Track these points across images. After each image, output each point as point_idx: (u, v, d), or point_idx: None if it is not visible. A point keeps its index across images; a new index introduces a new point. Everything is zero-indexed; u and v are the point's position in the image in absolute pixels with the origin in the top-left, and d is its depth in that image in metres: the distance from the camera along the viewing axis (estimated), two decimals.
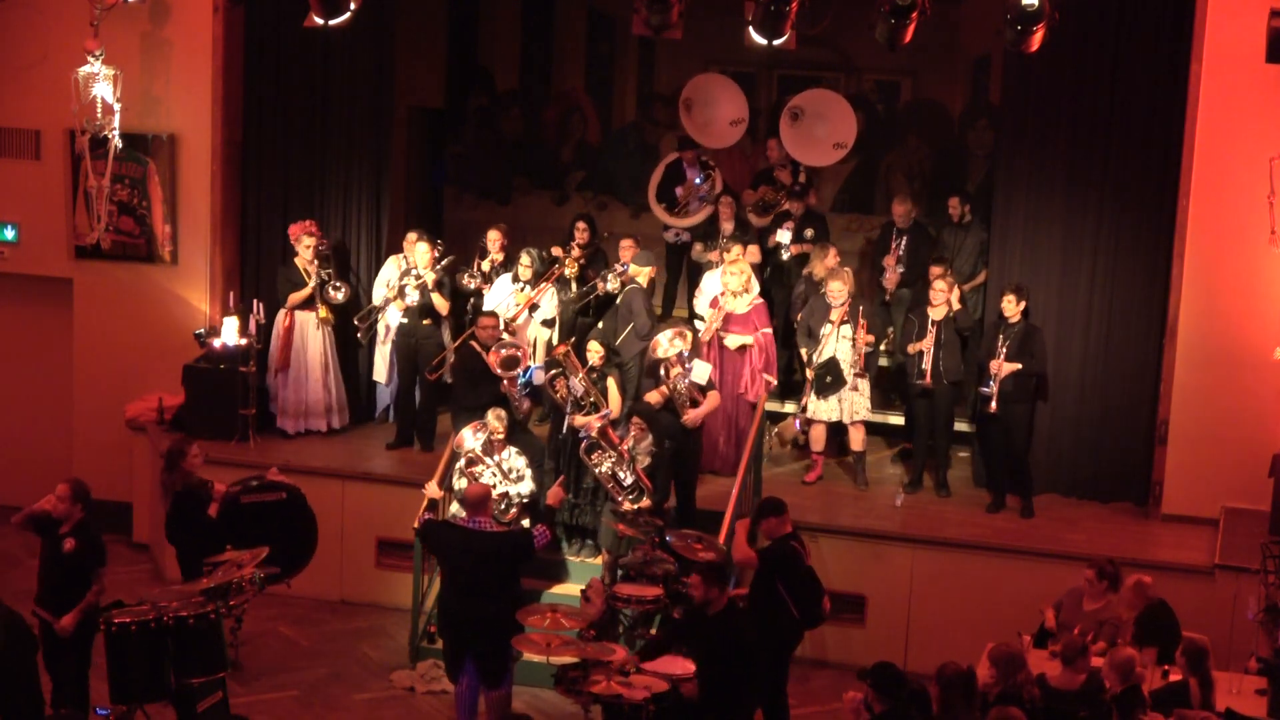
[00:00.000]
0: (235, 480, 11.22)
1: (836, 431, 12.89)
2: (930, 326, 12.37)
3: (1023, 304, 12.14)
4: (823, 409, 12.63)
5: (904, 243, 13.55)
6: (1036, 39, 10.24)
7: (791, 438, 13.43)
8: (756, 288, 12.85)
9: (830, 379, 12.54)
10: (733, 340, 12.58)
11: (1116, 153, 12.23)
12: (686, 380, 11.72)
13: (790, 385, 14.07)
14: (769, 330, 12.81)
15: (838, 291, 12.45)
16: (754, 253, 13.50)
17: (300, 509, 11.08)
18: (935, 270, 12.82)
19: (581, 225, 13.74)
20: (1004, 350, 12.08)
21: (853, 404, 12.59)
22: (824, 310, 12.55)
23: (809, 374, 12.70)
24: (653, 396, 11.83)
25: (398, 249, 13.38)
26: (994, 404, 12.10)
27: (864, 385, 12.61)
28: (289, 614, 12.29)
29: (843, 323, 12.43)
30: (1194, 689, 8.96)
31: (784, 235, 13.76)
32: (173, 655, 9.35)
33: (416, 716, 10.94)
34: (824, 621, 10.35)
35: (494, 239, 13.45)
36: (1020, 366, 12.07)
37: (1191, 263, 11.97)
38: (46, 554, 9.90)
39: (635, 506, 11.09)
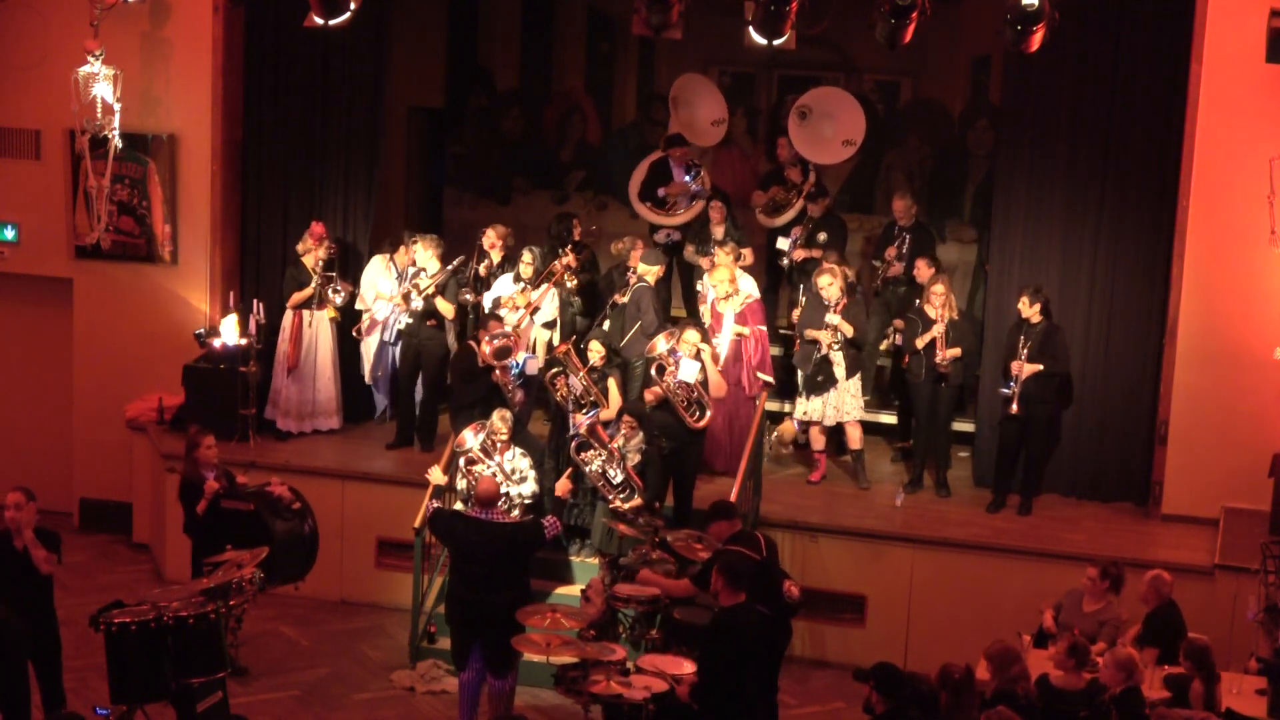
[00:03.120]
0: (245, 484, 11.21)
1: (836, 430, 12.87)
2: (935, 315, 12.36)
3: (1037, 304, 12.12)
4: (813, 409, 12.62)
5: (906, 240, 13.53)
6: (1036, 39, 10.23)
7: (791, 439, 13.42)
8: (745, 287, 12.81)
9: (821, 378, 12.53)
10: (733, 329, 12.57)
11: (1116, 153, 12.23)
12: (676, 379, 11.71)
13: (791, 385, 14.07)
14: (763, 328, 12.78)
15: (826, 285, 12.40)
16: (747, 255, 13.47)
17: (260, 526, 10.91)
18: (923, 264, 12.85)
19: (572, 222, 13.68)
20: (1025, 351, 12.07)
21: (843, 404, 12.56)
22: (818, 309, 12.52)
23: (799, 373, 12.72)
24: (647, 395, 11.84)
25: (393, 249, 13.39)
26: (1015, 405, 12.08)
27: (855, 384, 12.58)
28: (289, 614, 12.29)
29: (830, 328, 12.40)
30: (1199, 688, 8.95)
31: (784, 243, 13.71)
32: (173, 655, 9.35)
33: (416, 716, 10.94)
34: (799, 608, 10.18)
35: (490, 240, 13.39)
36: (1041, 367, 12.06)
37: (1191, 263, 11.97)
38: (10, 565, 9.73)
39: (626, 505, 11.11)
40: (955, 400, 12.69)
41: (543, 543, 10.36)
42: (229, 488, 11.05)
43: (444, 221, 15.76)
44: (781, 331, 13.88)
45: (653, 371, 11.82)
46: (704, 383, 11.80)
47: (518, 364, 11.95)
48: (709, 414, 11.83)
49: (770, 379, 12.74)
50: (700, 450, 12.04)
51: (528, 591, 10.35)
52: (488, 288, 13.20)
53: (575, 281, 13.28)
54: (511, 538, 10.15)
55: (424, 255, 13.07)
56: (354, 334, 13.37)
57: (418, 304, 12.95)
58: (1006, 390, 12.17)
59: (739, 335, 12.55)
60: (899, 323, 12.78)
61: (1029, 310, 12.13)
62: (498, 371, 11.83)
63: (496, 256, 13.32)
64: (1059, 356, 12.15)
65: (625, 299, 12.76)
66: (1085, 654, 9.18)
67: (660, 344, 11.83)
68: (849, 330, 12.38)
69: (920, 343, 12.41)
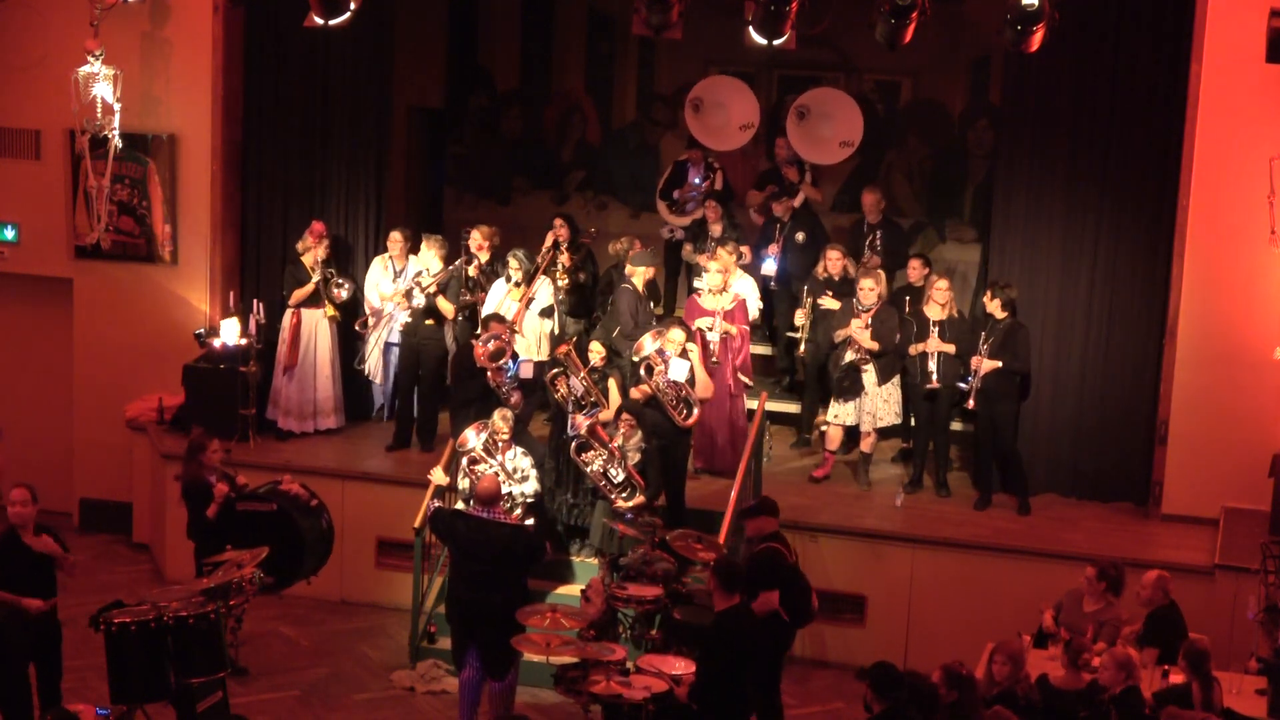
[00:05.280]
0: (245, 484, 11.22)
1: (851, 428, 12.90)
2: (931, 327, 12.35)
3: (997, 300, 12.13)
4: (847, 414, 12.62)
5: (878, 237, 13.55)
6: (1036, 39, 10.24)
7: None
8: (740, 287, 12.84)
9: (849, 383, 12.53)
10: (705, 322, 12.55)
11: (1116, 153, 12.22)
12: (666, 378, 11.74)
13: (791, 386, 14.07)
14: (746, 328, 12.80)
15: (869, 289, 12.40)
16: (746, 253, 13.50)
17: (287, 525, 10.95)
18: (917, 265, 12.89)
19: (559, 221, 13.69)
20: (985, 347, 12.08)
21: (876, 410, 12.56)
22: (850, 314, 12.52)
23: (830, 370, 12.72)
24: (633, 393, 11.86)
25: (386, 249, 13.40)
26: (971, 401, 12.10)
27: (889, 390, 12.57)
28: (289, 614, 12.29)
29: (865, 327, 12.41)
30: (1196, 691, 8.95)
31: (769, 266, 13.68)
32: (173, 655, 9.35)
33: (416, 716, 10.94)
34: (813, 620, 10.31)
35: (477, 241, 13.31)
36: (1001, 364, 12.06)
37: (1191, 263, 11.97)
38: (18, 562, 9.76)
39: (629, 504, 11.12)
40: (956, 401, 12.67)
41: (541, 557, 10.38)
42: (237, 490, 11.05)
43: (444, 222, 15.75)
44: (789, 335, 13.85)
45: (641, 371, 11.85)
46: (691, 381, 11.82)
47: (512, 366, 11.94)
48: (696, 412, 11.85)
49: (749, 380, 12.76)
50: (687, 447, 12.06)
51: (526, 593, 10.35)
52: (481, 288, 13.18)
53: (566, 281, 13.30)
54: (512, 539, 10.14)
55: (428, 255, 13.06)
56: (356, 327, 13.34)
57: (420, 301, 12.94)
58: (964, 385, 12.17)
59: (726, 334, 12.56)
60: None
61: (990, 305, 12.15)
62: (491, 373, 11.81)
63: (484, 257, 13.29)
64: (1019, 355, 12.14)
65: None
66: (1083, 654, 9.18)
67: (647, 344, 11.85)
68: (873, 345, 12.38)
69: (914, 350, 12.39)
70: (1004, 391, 12.18)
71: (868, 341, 12.38)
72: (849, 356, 12.47)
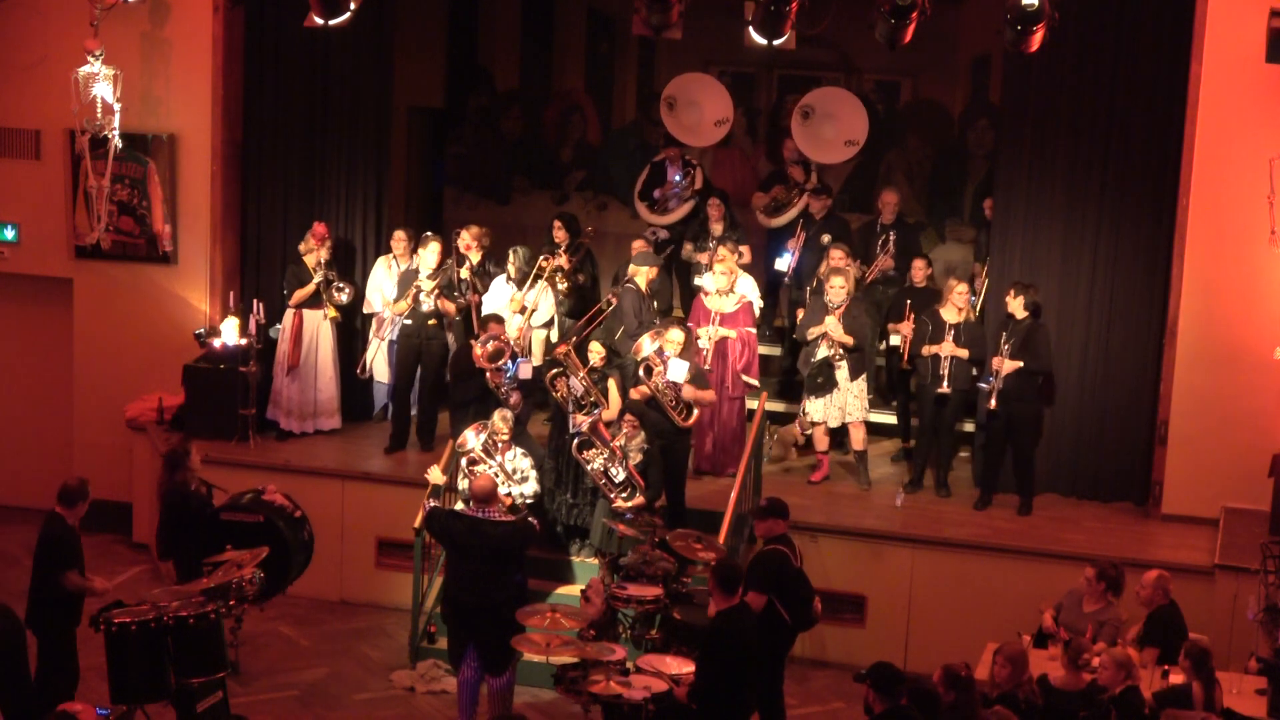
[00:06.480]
0: (230, 493, 11.17)
1: (841, 430, 12.87)
2: (947, 330, 12.33)
3: (1021, 298, 12.12)
4: (817, 410, 12.63)
5: (891, 238, 13.54)
6: (1036, 39, 10.24)
7: (792, 441, 13.41)
8: (742, 288, 12.85)
9: (822, 380, 12.54)
10: (711, 331, 12.58)
11: (1116, 153, 12.23)
12: (665, 378, 11.74)
13: (790, 386, 14.07)
14: (753, 330, 12.81)
15: (838, 287, 12.40)
16: (746, 253, 13.49)
17: (273, 535, 10.85)
18: (921, 265, 12.87)
19: (557, 224, 13.69)
20: (1006, 348, 12.07)
21: (847, 405, 12.57)
22: (821, 310, 12.53)
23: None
24: (633, 394, 11.86)
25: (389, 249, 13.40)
26: (993, 401, 12.09)
27: (859, 385, 12.59)
28: (289, 614, 12.29)
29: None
30: (1197, 691, 8.95)
31: (781, 263, 13.69)
32: (173, 655, 9.35)
33: (416, 716, 10.94)
34: (816, 624, 10.33)
35: (466, 242, 13.28)
36: (1021, 364, 12.05)
37: (1191, 263, 11.98)
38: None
39: (628, 504, 11.13)
40: (962, 403, 12.66)
41: (533, 540, 10.38)
42: (209, 501, 11.03)
43: (444, 221, 15.76)
44: (795, 337, 13.86)
45: (640, 372, 11.85)
46: (692, 381, 11.82)
47: (511, 367, 11.95)
48: (696, 413, 11.87)
49: (755, 383, 12.75)
50: (687, 447, 12.08)
51: (524, 591, 10.35)
52: (474, 289, 13.16)
53: (566, 284, 13.29)
54: (507, 534, 10.15)
55: (428, 256, 13.04)
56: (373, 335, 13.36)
57: (429, 304, 12.93)
58: (985, 385, 12.17)
59: (723, 339, 12.58)
60: (904, 328, 12.69)
61: (1013, 304, 12.14)
62: (490, 373, 11.81)
63: (475, 257, 13.29)
64: (1040, 355, 12.13)
65: (616, 300, 12.81)
66: (1083, 654, 9.18)
67: (646, 345, 11.86)
68: (848, 340, 12.38)
69: (927, 351, 12.37)
70: (1024, 392, 12.16)
71: (843, 337, 12.37)
72: (821, 353, 12.47)
